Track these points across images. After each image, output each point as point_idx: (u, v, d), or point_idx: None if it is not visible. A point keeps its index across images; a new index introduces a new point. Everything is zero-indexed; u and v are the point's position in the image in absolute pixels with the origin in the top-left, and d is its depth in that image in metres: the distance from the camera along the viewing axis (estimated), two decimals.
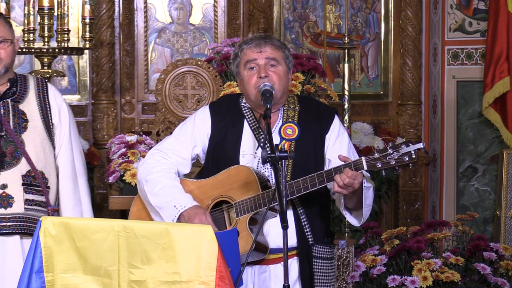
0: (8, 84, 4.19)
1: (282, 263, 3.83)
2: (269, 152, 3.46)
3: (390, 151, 3.63)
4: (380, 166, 3.64)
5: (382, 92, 7.51)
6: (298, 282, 3.90)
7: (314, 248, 3.85)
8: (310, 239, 3.86)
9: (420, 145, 3.61)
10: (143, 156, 5.39)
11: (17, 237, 4.08)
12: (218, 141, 3.94)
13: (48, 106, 4.21)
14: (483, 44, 6.80)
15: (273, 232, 3.81)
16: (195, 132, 3.99)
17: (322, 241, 3.89)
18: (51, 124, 4.18)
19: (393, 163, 3.63)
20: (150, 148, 5.52)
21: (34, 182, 4.11)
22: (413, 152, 3.60)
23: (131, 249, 3.24)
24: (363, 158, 3.66)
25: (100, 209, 6.92)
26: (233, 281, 3.28)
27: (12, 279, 3.98)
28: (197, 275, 3.19)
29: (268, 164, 3.69)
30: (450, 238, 5.69)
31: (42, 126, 4.16)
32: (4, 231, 4.05)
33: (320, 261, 3.87)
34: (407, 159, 3.62)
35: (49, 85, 4.28)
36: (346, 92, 6.04)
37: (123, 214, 5.64)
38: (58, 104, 4.24)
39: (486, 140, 6.90)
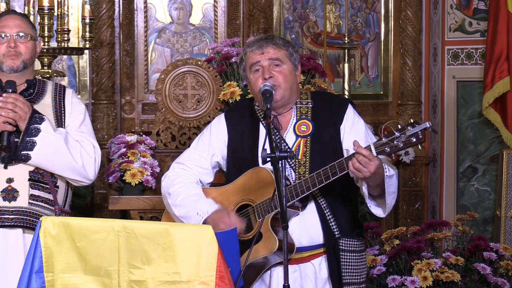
0: (25, 85, 4.22)
1: (312, 261, 3.83)
2: (269, 152, 3.46)
3: (397, 134, 3.59)
4: (388, 150, 3.60)
5: (382, 92, 7.51)
6: (328, 281, 3.88)
7: (341, 241, 3.83)
8: (336, 233, 3.84)
9: (426, 125, 3.57)
10: (143, 156, 5.40)
11: (20, 230, 4.08)
12: (236, 147, 3.97)
13: (63, 108, 4.22)
14: (483, 44, 6.80)
15: (297, 230, 3.80)
16: (212, 141, 4.02)
17: (350, 233, 3.86)
18: (63, 126, 4.19)
19: (401, 145, 3.59)
20: (150, 148, 5.55)
21: (42, 179, 4.11)
22: (419, 132, 3.57)
23: (131, 249, 3.25)
24: (371, 144, 3.64)
25: (100, 209, 6.92)
26: (233, 281, 3.28)
27: (13, 271, 4.00)
28: (197, 275, 3.19)
29: (286, 163, 3.64)
30: (450, 238, 5.69)
31: (55, 126, 4.16)
32: (6, 224, 4.06)
33: (348, 254, 3.83)
34: (414, 140, 3.58)
35: (67, 89, 4.30)
36: (346, 92, 6.05)
37: (123, 214, 5.64)
38: (73, 104, 4.25)
39: (486, 140, 6.90)
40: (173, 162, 4.12)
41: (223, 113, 4.11)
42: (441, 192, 7.12)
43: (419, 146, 3.64)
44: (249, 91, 4.07)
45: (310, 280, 3.82)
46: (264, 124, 3.93)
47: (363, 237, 3.96)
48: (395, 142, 3.60)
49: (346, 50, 6.13)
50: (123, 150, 5.49)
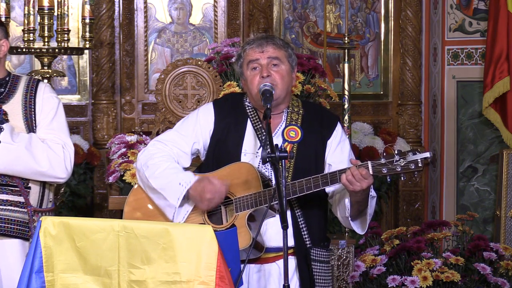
0: None
1: (277, 262, 3.85)
2: (269, 152, 3.47)
3: (396, 157, 3.64)
4: (385, 172, 3.65)
5: (382, 92, 7.52)
6: (295, 278, 3.90)
7: (313, 251, 3.86)
8: (307, 242, 3.87)
9: (427, 154, 3.61)
10: None
11: None
12: (220, 139, 3.95)
13: (33, 106, 4.12)
14: (483, 44, 6.80)
15: (269, 231, 3.82)
16: (197, 127, 3.99)
17: (319, 244, 3.90)
18: (34, 124, 4.11)
19: (399, 169, 3.64)
20: None
21: (11, 182, 4.05)
22: (419, 160, 3.61)
23: (131, 249, 3.25)
24: (369, 162, 3.66)
25: (100, 209, 6.92)
26: (233, 281, 3.28)
27: None
28: (197, 275, 3.19)
29: (268, 164, 3.70)
30: (450, 238, 5.69)
31: (24, 126, 4.08)
32: None
33: (318, 264, 3.88)
34: (413, 167, 3.63)
35: (40, 84, 4.18)
36: (346, 92, 6.04)
37: (123, 214, 5.64)
38: (44, 100, 4.14)
39: (486, 140, 6.90)
40: (153, 140, 4.06)
41: (212, 102, 4.07)
42: (441, 192, 7.12)
43: (415, 174, 3.69)
44: (243, 87, 4.05)
45: (274, 280, 3.84)
46: (252, 122, 3.94)
47: (330, 249, 4.01)
48: (393, 165, 3.64)
49: (346, 50, 6.12)
50: (123, 150, 5.49)
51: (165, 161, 3.91)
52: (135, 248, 3.24)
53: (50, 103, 4.15)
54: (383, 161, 3.65)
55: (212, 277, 3.18)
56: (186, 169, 4.01)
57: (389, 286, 5.26)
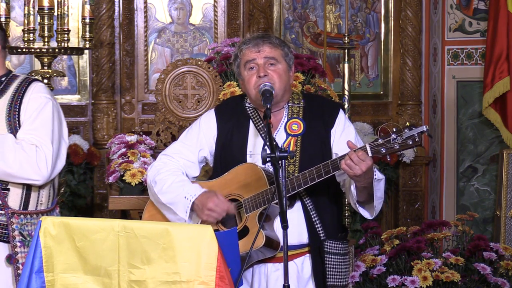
0: None
1: (295, 260, 3.84)
2: (269, 152, 3.47)
3: (393, 136, 3.61)
4: (384, 151, 3.63)
5: (382, 92, 7.51)
6: (311, 279, 3.89)
7: (326, 243, 3.84)
8: (321, 234, 3.85)
9: (423, 128, 3.59)
10: (143, 156, 5.40)
11: None
12: (224, 143, 3.97)
13: (18, 106, 3.99)
14: (483, 44, 6.80)
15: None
16: (201, 135, 4.02)
17: (335, 236, 3.88)
18: (18, 124, 3.98)
19: (397, 147, 3.62)
20: (150, 148, 5.55)
21: None
22: (416, 135, 3.59)
23: (131, 249, 3.25)
24: (367, 144, 3.65)
25: (100, 209, 6.93)
26: (233, 281, 3.28)
27: None
28: (197, 275, 3.19)
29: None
30: (450, 238, 5.69)
31: (5, 126, 3.96)
32: None
33: (332, 256, 3.85)
34: (410, 142, 3.60)
35: (32, 84, 4.04)
36: (346, 92, 6.04)
37: (123, 214, 5.64)
38: (30, 100, 3.99)
39: (486, 140, 6.90)
40: (160, 154, 4.09)
41: (213, 108, 4.10)
42: (441, 192, 7.12)
43: (414, 149, 3.67)
44: (241, 87, 4.06)
45: (292, 279, 3.82)
46: (254, 122, 3.95)
47: (347, 240, 3.98)
48: (391, 144, 3.62)
49: (346, 50, 6.12)
50: (123, 150, 5.49)
51: (172, 175, 3.95)
52: (135, 248, 3.24)
53: (35, 103, 4.00)
54: (380, 141, 3.63)
55: (212, 277, 3.18)
56: (196, 177, 4.04)
57: (389, 286, 5.26)
